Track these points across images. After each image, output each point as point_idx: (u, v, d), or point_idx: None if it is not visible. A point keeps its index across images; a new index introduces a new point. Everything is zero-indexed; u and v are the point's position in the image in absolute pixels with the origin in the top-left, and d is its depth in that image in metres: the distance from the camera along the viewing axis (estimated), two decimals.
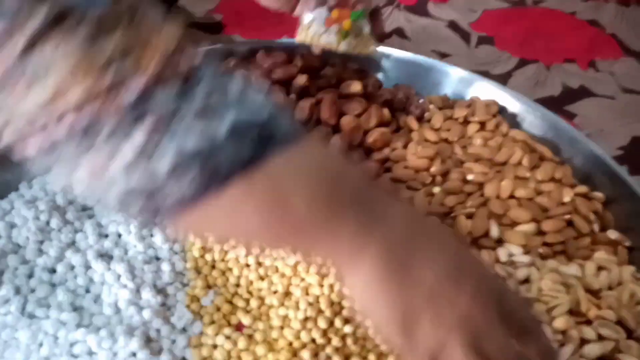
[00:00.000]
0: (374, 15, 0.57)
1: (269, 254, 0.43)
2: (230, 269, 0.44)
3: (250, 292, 0.43)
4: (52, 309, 0.39)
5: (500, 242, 0.49)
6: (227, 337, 0.39)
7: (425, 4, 0.83)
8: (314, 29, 0.54)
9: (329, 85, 0.60)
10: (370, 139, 0.56)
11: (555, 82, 0.71)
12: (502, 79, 0.67)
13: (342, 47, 0.54)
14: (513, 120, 0.60)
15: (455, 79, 0.64)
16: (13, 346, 0.37)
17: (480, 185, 0.52)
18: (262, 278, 0.43)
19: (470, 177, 0.52)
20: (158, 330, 0.39)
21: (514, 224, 0.50)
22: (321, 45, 0.55)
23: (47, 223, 0.44)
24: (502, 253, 0.47)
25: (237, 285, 0.43)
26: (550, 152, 0.56)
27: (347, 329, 0.39)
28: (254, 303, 0.42)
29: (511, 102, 0.61)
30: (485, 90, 0.62)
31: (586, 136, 0.56)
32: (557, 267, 0.46)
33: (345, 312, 0.40)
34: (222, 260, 0.44)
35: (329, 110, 0.56)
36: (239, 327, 0.41)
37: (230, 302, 0.42)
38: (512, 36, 0.78)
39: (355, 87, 0.59)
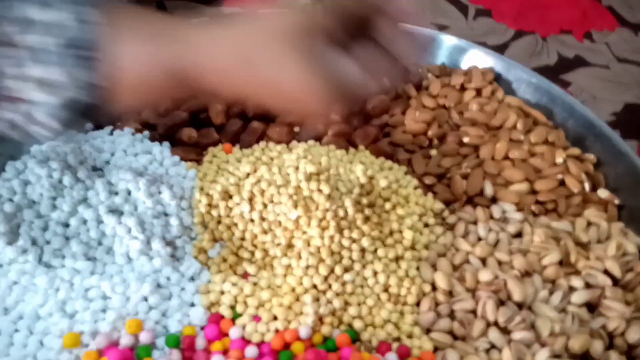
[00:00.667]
0: None
1: (272, 210, 0.45)
2: (235, 224, 0.46)
3: (254, 245, 0.45)
4: (67, 258, 0.41)
5: (494, 200, 0.51)
6: (234, 284, 0.41)
7: None
8: None
9: None
10: (370, 105, 0.57)
11: (551, 52, 0.72)
12: (499, 50, 0.68)
13: None
14: (508, 87, 0.62)
15: (451, 48, 0.65)
16: (32, 291, 0.39)
17: (476, 148, 0.54)
18: (265, 232, 0.45)
19: (466, 139, 0.54)
20: (168, 278, 0.41)
21: (507, 183, 0.52)
22: None
23: (60, 181, 0.45)
24: (495, 210, 0.49)
25: (242, 239, 0.45)
26: (544, 116, 0.58)
27: (347, 276, 0.41)
28: (258, 254, 0.44)
29: (507, 70, 0.62)
30: (481, 59, 0.64)
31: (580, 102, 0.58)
32: (549, 223, 0.48)
33: (345, 262, 0.42)
34: (228, 216, 0.46)
35: None
36: (244, 276, 0.43)
37: (236, 254, 0.44)
38: (509, 8, 0.79)
39: None
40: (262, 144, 0.54)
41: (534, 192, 0.52)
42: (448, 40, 0.65)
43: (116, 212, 0.45)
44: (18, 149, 0.52)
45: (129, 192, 0.46)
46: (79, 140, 0.51)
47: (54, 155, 0.48)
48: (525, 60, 0.69)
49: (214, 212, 0.46)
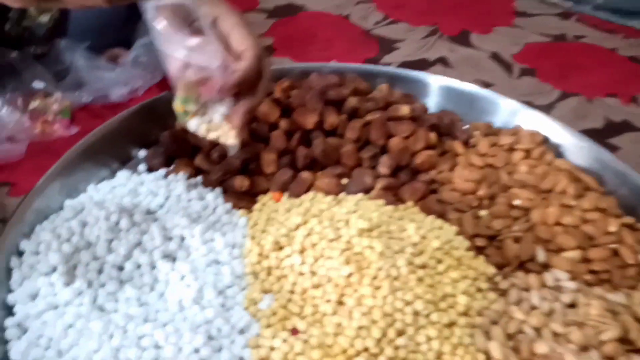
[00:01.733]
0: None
1: (323, 264, 0.45)
2: (285, 276, 0.45)
3: (304, 299, 0.44)
4: (121, 302, 0.41)
5: (546, 266, 0.50)
6: (284, 341, 0.41)
7: (468, 35, 0.86)
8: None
9: (377, 107, 0.62)
10: (418, 160, 0.58)
11: (598, 115, 0.72)
12: (545, 110, 0.68)
13: (191, 125, 0.48)
14: (557, 150, 0.62)
15: (500, 107, 0.66)
16: (86, 335, 0.39)
17: (527, 211, 0.53)
18: (316, 286, 0.45)
19: (516, 202, 0.54)
20: (219, 329, 0.41)
21: (559, 250, 0.51)
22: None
23: (117, 223, 0.46)
24: (548, 277, 0.48)
25: (292, 291, 0.45)
26: (595, 182, 0.57)
27: (400, 340, 0.41)
28: (308, 309, 0.43)
29: (556, 132, 0.62)
30: (529, 120, 0.64)
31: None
32: (604, 294, 0.47)
33: (398, 325, 0.41)
34: (278, 267, 0.46)
35: (379, 131, 0.58)
36: (293, 331, 0.43)
37: (285, 308, 0.44)
38: (552, 69, 0.80)
39: (404, 110, 0.61)
40: (310, 194, 0.55)
41: (586, 260, 0.51)
42: (498, 101, 0.65)
43: (170, 257, 0.45)
44: (74, 186, 0.53)
45: (182, 238, 0.47)
46: (135, 182, 0.52)
47: (111, 197, 0.49)
48: (572, 123, 0.69)
49: (265, 263, 0.46)
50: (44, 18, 0.65)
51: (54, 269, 0.42)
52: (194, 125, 0.47)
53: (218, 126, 0.48)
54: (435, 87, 0.68)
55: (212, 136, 0.48)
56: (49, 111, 0.63)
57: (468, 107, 0.67)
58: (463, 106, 0.67)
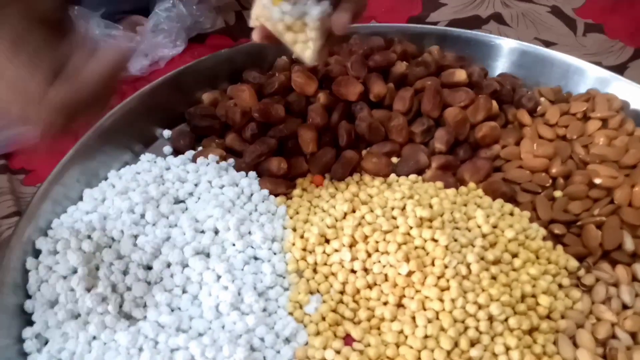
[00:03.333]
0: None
1: (377, 261, 0.39)
2: (334, 274, 0.40)
3: (356, 302, 0.39)
4: (150, 309, 0.36)
5: (635, 256, 0.43)
6: (337, 352, 0.35)
7: None
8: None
9: (428, 73, 0.55)
10: (479, 134, 0.50)
11: None
12: (617, 71, 0.59)
13: (274, 13, 0.38)
14: (638, 118, 0.53)
15: (567, 69, 0.57)
16: (112, 349, 0.34)
17: (609, 191, 0.46)
18: (370, 286, 0.39)
19: (597, 180, 0.46)
20: (262, 339, 0.36)
21: None
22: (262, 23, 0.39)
23: (142, 215, 0.41)
24: (639, 269, 0.41)
25: (342, 292, 0.39)
26: None
27: (474, 352, 0.35)
28: (362, 314, 0.38)
29: (635, 97, 0.54)
30: (602, 83, 0.55)
31: None
32: None
33: (470, 333, 0.35)
34: (325, 264, 0.40)
35: (432, 101, 0.51)
36: (347, 340, 0.37)
37: (335, 311, 0.38)
38: (623, 23, 0.70)
39: (460, 75, 0.53)
40: (355, 176, 0.48)
41: None
42: (565, 61, 0.57)
43: (203, 254, 0.39)
44: (94, 172, 0.48)
45: (216, 231, 0.41)
46: (160, 167, 0.46)
47: (134, 185, 0.44)
48: None
49: (310, 259, 0.41)
50: None
51: (74, 271, 0.37)
52: (278, 13, 0.37)
53: (302, 27, 0.38)
54: (496, 48, 0.60)
55: (288, 38, 0.39)
56: None
57: (531, 70, 0.59)
58: (525, 69, 0.59)
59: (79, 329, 0.35)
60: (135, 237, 0.40)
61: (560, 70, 0.58)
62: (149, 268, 0.39)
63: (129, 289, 0.37)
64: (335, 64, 0.54)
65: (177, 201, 0.44)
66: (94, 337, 0.35)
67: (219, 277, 0.38)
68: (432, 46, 0.59)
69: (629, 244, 0.43)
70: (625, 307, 0.39)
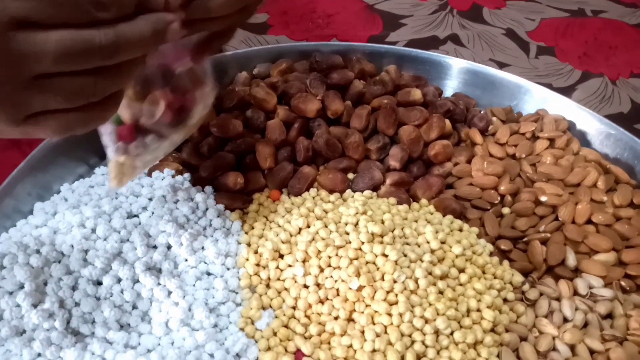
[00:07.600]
0: None
1: (329, 276, 0.40)
2: (287, 289, 0.40)
3: (308, 317, 0.39)
4: (98, 325, 0.36)
5: (576, 271, 0.45)
6: None
7: (480, 10, 0.79)
8: None
9: (385, 92, 0.56)
10: (432, 151, 0.52)
11: (623, 97, 0.66)
12: (565, 93, 0.62)
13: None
14: (583, 138, 0.56)
15: (518, 90, 0.60)
16: None
17: (554, 208, 0.48)
18: (321, 301, 0.39)
19: (543, 198, 0.48)
20: (212, 355, 0.36)
21: (591, 252, 0.46)
22: None
23: (93, 230, 0.40)
24: (581, 285, 0.43)
25: (294, 307, 0.39)
26: (626, 174, 0.52)
27: None
28: (313, 329, 0.38)
29: (581, 118, 0.57)
30: (550, 104, 0.58)
31: None
32: None
33: (417, 347, 0.36)
34: (278, 279, 0.41)
35: (388, 119, 0.52)
36: (297, 355, 0.37)
37: (286, 326, 0.39)
38: (573, 47, 0.74)
39: (416, 94, 0.55)
40: (312, 191, 0.49)
41: (621, 262, 0.45)
42: (515, 82, 0.59)
43: (154, 270, 0.39)
44: (47, 185, 0.47)
45: (168, 247, 0.41)
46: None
47: (87, 199, 0.43)
48: (596, 107, 0.63)
49: (263, 274, 0.41)
50: None
51: (21, 287, 0.37)
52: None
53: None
54: (450, 68, 0.62)
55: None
56: None
57: (483, 90, 0.61)
58: (477, 89, 0.61)
59: (22, 346, 0.34)
60: (86, 251, 0.39)
61: (511, 91, 0.60)
62: (99, 283, 0.38)
63: (77, 304, 0.37)
64: (295, 81, 0.55)
65: (130, 215, 0.44)
66: (39, 354, 0.34)
67: (170, 292, 0.38)
68: (389, 65, 0.61)
69: (572, 259, 0.45)
70: (566, 320, 0.41)
